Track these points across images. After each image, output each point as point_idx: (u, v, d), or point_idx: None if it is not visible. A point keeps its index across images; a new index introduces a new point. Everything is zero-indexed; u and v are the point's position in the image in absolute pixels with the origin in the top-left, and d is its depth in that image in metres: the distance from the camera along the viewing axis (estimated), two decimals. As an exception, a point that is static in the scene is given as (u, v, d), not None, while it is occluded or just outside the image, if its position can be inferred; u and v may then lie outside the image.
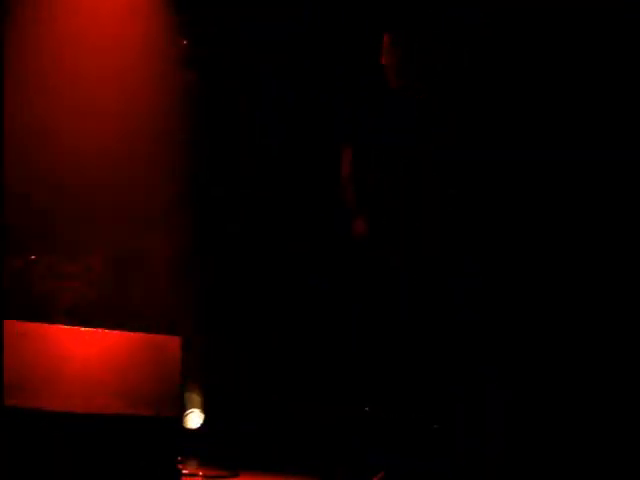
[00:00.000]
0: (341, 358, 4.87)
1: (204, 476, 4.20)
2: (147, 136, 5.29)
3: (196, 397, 4.98)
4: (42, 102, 5.19)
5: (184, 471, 4.06)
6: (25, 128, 5.05)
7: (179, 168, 5.28)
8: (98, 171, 5.23)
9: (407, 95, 4.27)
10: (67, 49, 5.23)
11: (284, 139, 5.36)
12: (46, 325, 4.07)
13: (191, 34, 5.37)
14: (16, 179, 5.21)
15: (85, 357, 3.76)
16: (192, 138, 5.29)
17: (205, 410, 4.98)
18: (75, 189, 5.31)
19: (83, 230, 5.32)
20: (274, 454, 4.74)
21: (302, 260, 5.22)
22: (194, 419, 4.92)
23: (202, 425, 4.93)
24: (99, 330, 3.89)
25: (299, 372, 5.04)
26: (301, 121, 5.32)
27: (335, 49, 5.21)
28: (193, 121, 5.32)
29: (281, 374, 5.12)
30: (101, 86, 5.27)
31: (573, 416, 4.40)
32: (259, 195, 5.38)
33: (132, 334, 3.88)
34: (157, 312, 5.15)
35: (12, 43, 4.65)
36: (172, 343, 3.85)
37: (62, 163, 5.27)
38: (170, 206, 5.32)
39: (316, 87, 5.26)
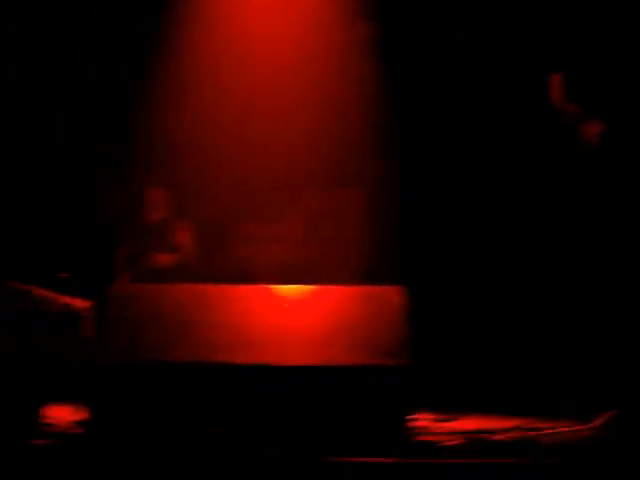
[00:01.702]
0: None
1: (432, 420, 4.24)
2: (337, 95, 5.33)
3: None
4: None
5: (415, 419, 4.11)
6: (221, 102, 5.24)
7: (371, 122, 5.28)
8: (289, 135, 5.34)
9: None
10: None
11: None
12: (259, 285, 4.22)
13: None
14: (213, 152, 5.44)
15: (312, 312, 3.88)
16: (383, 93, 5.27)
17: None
18: (269, 155, 5.45)
19: (279, 193, 5.45)
20: (489, 396, 4.71)
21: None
22: None
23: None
24: (322, 286, 4.00)
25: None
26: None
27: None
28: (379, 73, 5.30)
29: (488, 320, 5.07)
30: (284, 44, 5.35)
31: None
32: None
33: (354, 287, 3.95)
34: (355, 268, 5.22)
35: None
36: (394, 293, 3.88)
37: (258, 133, 5.42)
38: (364, 161, 5.35)
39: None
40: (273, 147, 5.45)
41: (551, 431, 3.91)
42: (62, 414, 3.75)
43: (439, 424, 4.19)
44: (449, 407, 4.48)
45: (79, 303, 4.49)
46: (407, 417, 3.81)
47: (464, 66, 5.35)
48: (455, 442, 3.70)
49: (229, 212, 5.60)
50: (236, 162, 5.50)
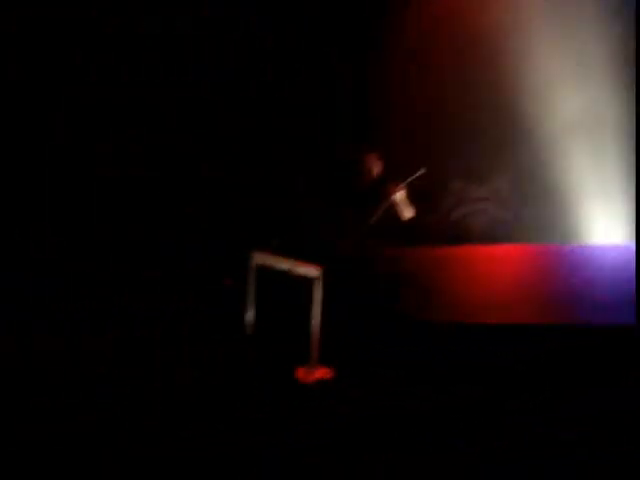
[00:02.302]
0: None
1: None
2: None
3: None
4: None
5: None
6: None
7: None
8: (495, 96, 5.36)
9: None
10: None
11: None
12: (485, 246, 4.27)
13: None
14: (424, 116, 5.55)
15: (543, 272, 3.90)
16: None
17: None
18: (476, 115, 5.49)
19: (488, 154, 5.48)
20: None
21: None
22: None
23: None
24: (550, 245, 4.00)
25: None
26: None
27: None
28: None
29: None
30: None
31: None
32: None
33: (587, 246, 3.92)
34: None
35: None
36: (626, 251, 3.82)
37: (465, 96, 5.48)
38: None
39: None
40: (480, 107, 5.48)
41: None
42: (310, 373, 4.03)
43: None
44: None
45: (312, 270, 4.75)
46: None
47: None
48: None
49: (441, 174, 5.68)
50: (446, 124, 5.57)
